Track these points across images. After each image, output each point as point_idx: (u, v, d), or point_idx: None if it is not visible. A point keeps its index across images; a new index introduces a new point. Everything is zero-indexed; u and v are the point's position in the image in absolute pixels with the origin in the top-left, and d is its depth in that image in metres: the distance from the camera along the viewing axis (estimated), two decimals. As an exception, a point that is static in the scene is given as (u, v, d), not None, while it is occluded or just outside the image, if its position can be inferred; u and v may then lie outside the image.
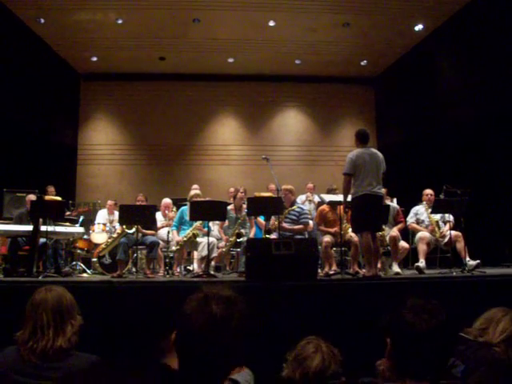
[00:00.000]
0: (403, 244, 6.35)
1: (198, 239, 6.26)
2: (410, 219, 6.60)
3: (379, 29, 8.90)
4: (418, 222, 6.54)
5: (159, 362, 1.34)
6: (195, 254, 6.62)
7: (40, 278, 5.17)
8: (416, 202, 6.70)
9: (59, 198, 6.53)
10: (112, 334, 3.74)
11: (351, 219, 5.45)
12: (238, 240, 6.45)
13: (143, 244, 6.25)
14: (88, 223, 7.57)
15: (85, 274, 6.52)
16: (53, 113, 9.71)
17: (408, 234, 7.14)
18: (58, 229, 6.15)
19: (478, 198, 6.46)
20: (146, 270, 6.25)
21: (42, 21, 8.43)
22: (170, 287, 4.72)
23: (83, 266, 6.74)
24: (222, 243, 6.59)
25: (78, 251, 7.24)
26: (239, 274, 5.86)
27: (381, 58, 10.30)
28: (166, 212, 7.08)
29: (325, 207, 6.35)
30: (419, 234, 6.23)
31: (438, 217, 6.41)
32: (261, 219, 6.71)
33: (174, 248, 6.33)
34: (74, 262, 6.94)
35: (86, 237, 7.22)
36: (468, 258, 5.82)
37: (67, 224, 6.60)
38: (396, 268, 5.97)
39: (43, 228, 5.70)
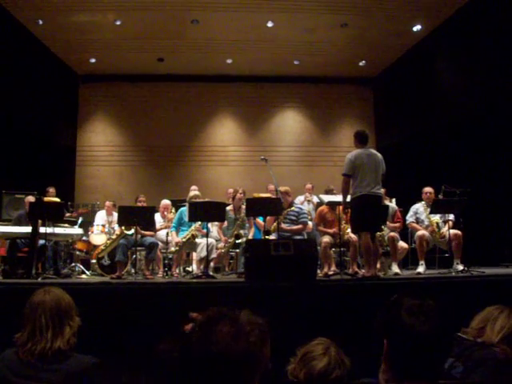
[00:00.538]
0: (402, 244, 6.35)
1: (197, 240, 6.26)
2: (410, 218, 6.54)
3: (377, 29, 8.90)
4: (418, 221, 6.49)
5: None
6: (194, 255, 6.63)
7: (39, 279, 5.17)
8: (415, 203, 6.69)
9: (58, 200, 6.53)
10: (111, 335, 3.74)
11: (350, 220, 5.45)
12: (237, 241, 6.45)
13: (142, 245, 6.25)
14: (87, 224, 7.56)
15: (84, 276, 6.51)
16: (51, 114, 9.70)
17: (407, 234, 7.15)
18: (57, 230, 6.14)
19: (477, 198, 6.46)
20: (145, 271, 6.25)
21: (41, 22, 8.41)
22: (169, 288, 4.72)
23: (82, 268, 6.73)
24: (221, 244, 6.59)
25: (77, 252, 7.23)
26: (238, 275, 5.85)
27: (379, 58, 10.31)
28: (165, 213, 7.07)
29: (324, 208, 6.36)
30: (418, 233, 6.22)
31: (437, 217, 6.37)
32: (260, 220, 6.71)
33: (173, 249, 6.32)
34: (73, 264, 6.93)
35: (84, 238, 7.21)
36: (458, 261, 5.81)
37: (66, 225, 6.59)
38: (395, 268, 5.97)
39: (42, 229, 5.69)
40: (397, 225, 6.48)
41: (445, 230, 6.22)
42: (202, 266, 6.13)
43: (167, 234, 6.56)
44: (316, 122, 11.47)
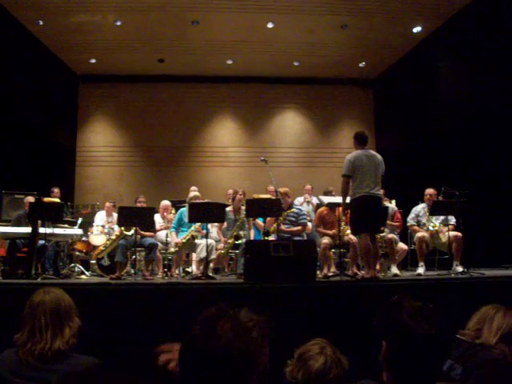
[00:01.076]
0: (402, 245, 6.36)
1: (197, 241, 6.26)
2: (411, 220, 6.52)
3: (377, 30, 8.91)
4: (419, 224, 6.47)
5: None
6: (194, 256, 6.63)
7: (39, 279, 5.17)
8: (415, 204, 6.68)
9: (58, 200, 6.53)
10: (110, 335, 3.74)
11: (350, 221, 5.46)
12: (237, 242, 6.45)
13: (142, 246, 6.25)
14: (86, 225, 7.56)
15: (83, 276, 6.51)
16: (51, 114, 9.70)
17: (407, 235, 7.16)
18: (57, 231, 6.15)
19: (476, 200, 6.46)
20: (145, 271, 6.25)
21: (41, 23, 8.43)
22: (168, 289, 4.72)
23: (82, 268, 6.73)
24: (221, 245, 6.59)
25: (77, 253, 7.23)
26: (238, 276, 5.85)
27: (379, 59, 10.32)
28: (165, 214, 7.07)
29: (323, 209, 6.36)
30: (418, 235, 6.21)
31: (438, 222, 6.35)
32: (259, 221, 6.71)
33: (172, 250, 6.33)
34: (73, 264, 6.93)
35: (84, 239, 7.21)
36: (457, 263, 5.82)
37: (66, 226, 6.60)
38: (395, 270, 5.97)
39: (42, 230, 5.69)
40: (396, 224, 6.49)
41: (445, 230, 6.22)
42: (201, 267, 6.13)
43: (167, 234, 6.57)
44: (316, 123, 11.48)
